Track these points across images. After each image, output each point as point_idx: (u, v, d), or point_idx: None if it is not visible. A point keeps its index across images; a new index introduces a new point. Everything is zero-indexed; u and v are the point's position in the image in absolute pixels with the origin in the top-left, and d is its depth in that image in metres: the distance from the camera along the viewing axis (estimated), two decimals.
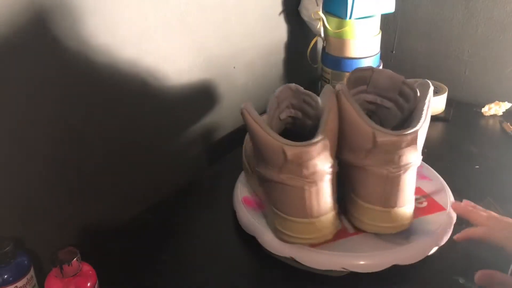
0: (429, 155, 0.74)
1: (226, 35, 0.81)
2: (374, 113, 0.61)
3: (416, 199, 0.61)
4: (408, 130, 0.52)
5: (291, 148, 0.50)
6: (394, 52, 1.10)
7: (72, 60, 0.57)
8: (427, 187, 0.66)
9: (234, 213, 0.64)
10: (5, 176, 0.53)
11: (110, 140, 0.65)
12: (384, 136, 0.51)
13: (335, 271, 0.54)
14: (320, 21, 0.92)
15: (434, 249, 0.56)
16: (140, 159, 0.70)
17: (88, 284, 0.48)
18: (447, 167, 0.73)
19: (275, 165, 0.52)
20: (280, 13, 0.95)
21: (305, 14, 0.97)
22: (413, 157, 0.53)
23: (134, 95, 0.67)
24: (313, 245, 0.55)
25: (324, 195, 0.53)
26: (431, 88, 0.56)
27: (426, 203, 0.63)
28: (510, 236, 0.46)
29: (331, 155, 0.53)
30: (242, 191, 0.66)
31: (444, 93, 0.93)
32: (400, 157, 0.52)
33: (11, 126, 0.53)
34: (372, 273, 0.53)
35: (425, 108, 0.54)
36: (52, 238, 0.59)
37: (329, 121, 0.52)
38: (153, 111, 0.71)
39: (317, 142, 0.50)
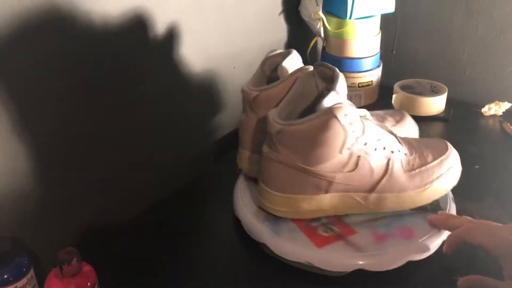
0: None
1: (226, 35, 0.81)
2: None
3: (327, 224, 0.57)
4: (281, 121, 0.53)
5: (243, 88, 0.62)
6: (394, 52, 1.10)
7: (71, 61, 0.57)
8: (365, 239, 0.55)
9: (234, 213, 0.64)
10: (5, 176, 0.53)
11: (110, 140, 0.65)
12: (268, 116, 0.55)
13: (335, 271, 0.54)
14: (320, 21, 0.92)
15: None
16: (140, 159, 0.70)
17: (88, 284, 0.48)
18: None
19: None
20: (280, 13, 0.95)
21: (305, 14, 0.97)
22: (282, 152, 0.54)
23: (134, 95, 0.67)
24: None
25: (240, 133, 0.65)
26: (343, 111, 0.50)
27: (327, 235, 0.55)
28: (486, 234, 0.49)
29: (258, 110, 0.60)
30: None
31: (444, 93, 0.93)
32: (273, 143, 0.54)
33: (11, 125, 0.53)
34: (372, 273, 0.53)
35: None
36: (52, 238, 0.59)
37: (273, 88, 0.58)
38: (153, 111, 0.71)
39: (244, 91, 0.61)
